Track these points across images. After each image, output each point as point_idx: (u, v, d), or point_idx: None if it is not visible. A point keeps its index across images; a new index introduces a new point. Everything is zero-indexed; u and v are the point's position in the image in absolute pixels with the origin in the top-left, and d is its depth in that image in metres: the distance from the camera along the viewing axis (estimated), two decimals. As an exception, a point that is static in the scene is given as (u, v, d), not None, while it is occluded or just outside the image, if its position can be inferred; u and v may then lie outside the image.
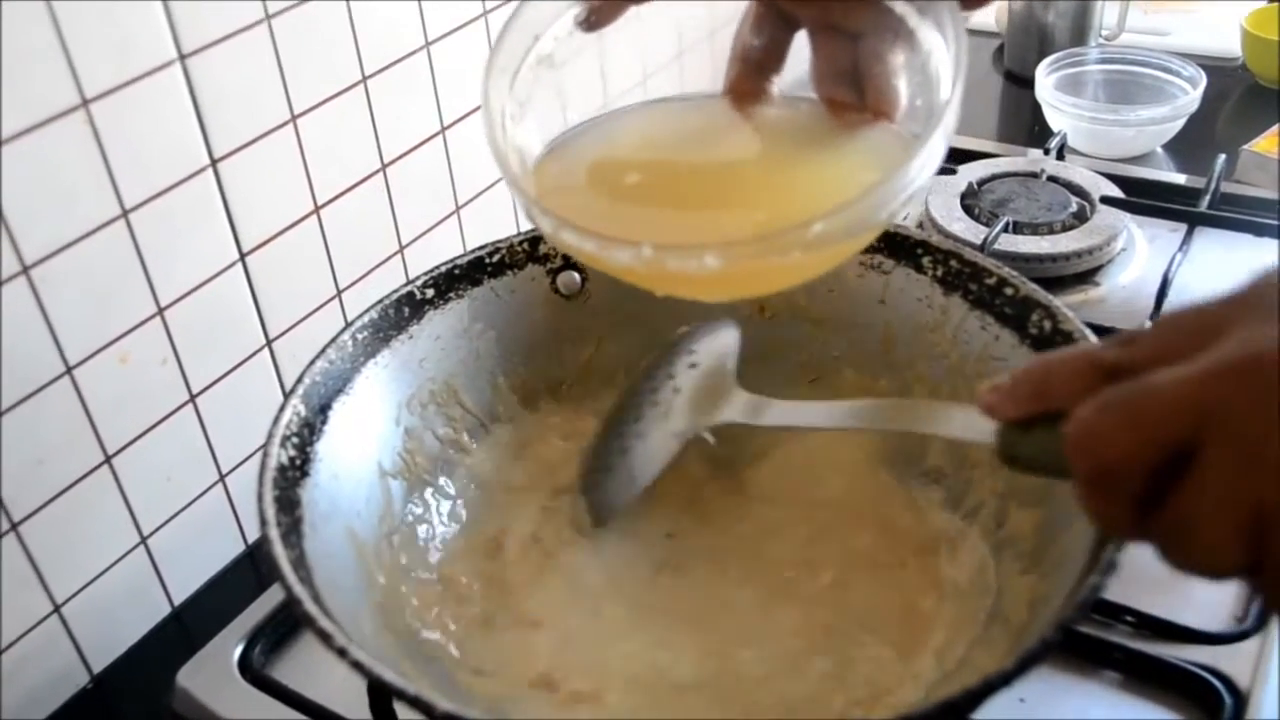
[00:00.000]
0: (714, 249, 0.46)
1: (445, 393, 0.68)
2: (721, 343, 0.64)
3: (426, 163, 0.87)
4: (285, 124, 0.75)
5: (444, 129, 0.87)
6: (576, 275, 0.71)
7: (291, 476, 0.56)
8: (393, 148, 0.83)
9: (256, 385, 0.78)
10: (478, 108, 0.53)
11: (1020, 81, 1.29)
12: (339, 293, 0.82)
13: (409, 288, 0.67)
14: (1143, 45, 1.24)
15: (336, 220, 0.80)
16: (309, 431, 0.59)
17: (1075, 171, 1.02)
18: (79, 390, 0.67)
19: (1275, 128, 1.08)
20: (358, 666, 0.46)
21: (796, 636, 0.59)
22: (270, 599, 0.70)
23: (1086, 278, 0.94)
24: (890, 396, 0.69)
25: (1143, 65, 1.18)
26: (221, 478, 0.78)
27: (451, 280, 0.68)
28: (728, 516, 0.67)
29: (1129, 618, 0.64)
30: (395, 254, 0.86)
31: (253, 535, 0.81)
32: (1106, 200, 0.98)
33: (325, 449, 0.59)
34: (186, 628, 0.77)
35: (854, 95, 0.54)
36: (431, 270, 0.68)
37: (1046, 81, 1.16)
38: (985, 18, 1.40)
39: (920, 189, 0.48)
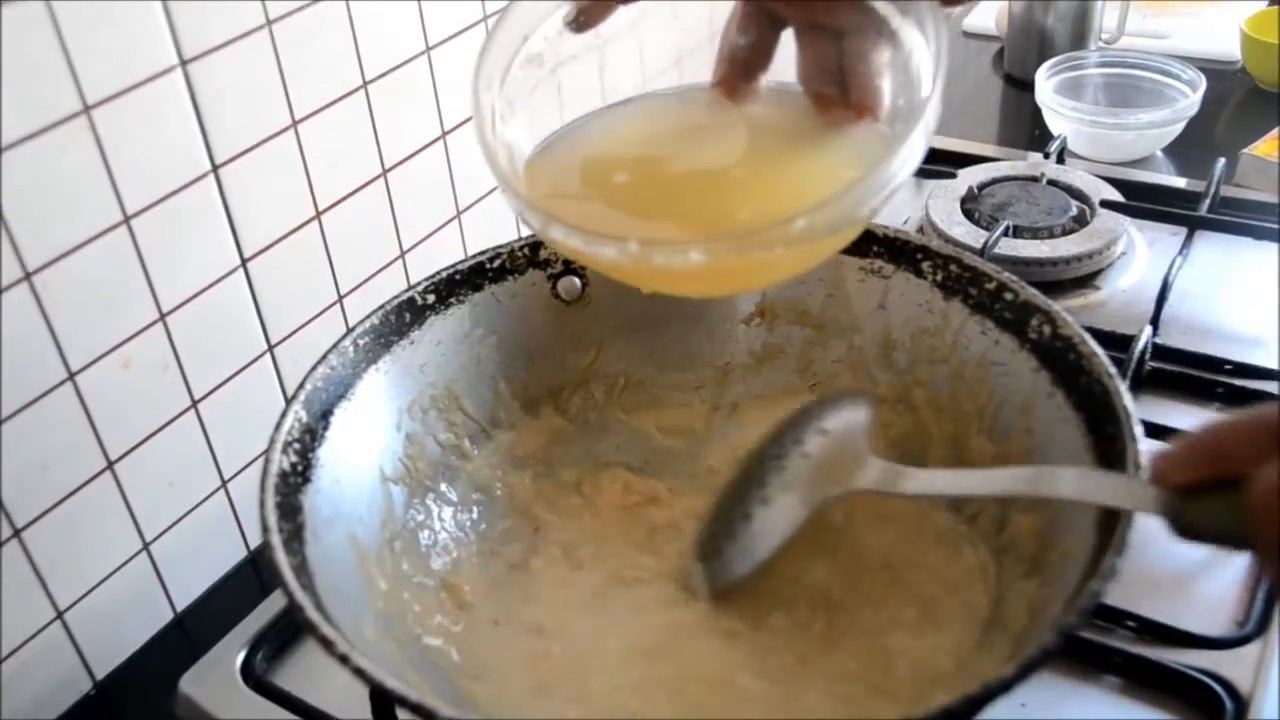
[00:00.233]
0: (698, 245, 0.47)
1: (446, 398, 0.68)
2: (854, 414, 0.62)
3: (427, 168, 0.87)
4: (286, 129, 0.75)
5: (445, 134, 0.88)
6: (577, 280, 0.71)
7: (293, 483, 0.56)
8: (394, 153, 0.84)
9: (258, 391, 0.78)
10: (482, 49, 0.53)
11: (1020, 85, 1.29)
12: (340, 298, 0.83)
13: (410, 293, 0.67)
14: (1142, 48, 1.24)
15: (338, 225, 0.80)
16: (310, 437, 0.59)
17: (1075, 175, 1.02)
18: (81, 396, 0.67)
19: (1275, 131, 1.08)
20: (359, 673, 0.46)
21: (795, 639, 0.59)
22: (272, 605, 0.70)
23: (1087, 282, 0.94)
24: (889, 403, 0.69)
25: (1142, 69, 1.18)
26: (223, 483, 0.78)
27: (452, 285, 0.68)
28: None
29: (1130, 623, 0.64)
30: (396, 259, 0.87)
31: (255, 541, 0.81)
32: (1106, 204, 0.98)
33: (327, 455, 0.59)
34: (189, 634, 0.77)
35: (839, 93, 0.55)
36: (432, 276, 0.68)
37: (1046, 85, 1.17)
38: (985, 21, 1.40)
39: (902, 184, 0.48)
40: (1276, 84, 1.22)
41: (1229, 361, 0.82)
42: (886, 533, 0.64)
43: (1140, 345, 0.81)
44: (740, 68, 0.56)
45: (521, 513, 0.69)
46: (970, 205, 1.00)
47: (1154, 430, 0.70)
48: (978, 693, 0.44)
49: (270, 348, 0.78)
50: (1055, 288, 0.92)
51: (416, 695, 0.46)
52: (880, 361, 0.70)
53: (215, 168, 0.71)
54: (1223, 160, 1.02)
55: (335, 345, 0.63)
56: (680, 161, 0.56)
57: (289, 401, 0.59)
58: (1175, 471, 0.44)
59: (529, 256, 0.70)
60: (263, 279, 0.76)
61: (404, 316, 0.66)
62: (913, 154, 0.47)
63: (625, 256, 0.47)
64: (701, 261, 0.46)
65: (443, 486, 0.68)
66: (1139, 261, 0.96)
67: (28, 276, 0.62)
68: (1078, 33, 1.27)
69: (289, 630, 0.69)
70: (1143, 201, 1.00)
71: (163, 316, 0.70)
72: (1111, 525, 0.49)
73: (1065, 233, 0.95)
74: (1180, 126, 1.13)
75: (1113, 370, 0.56)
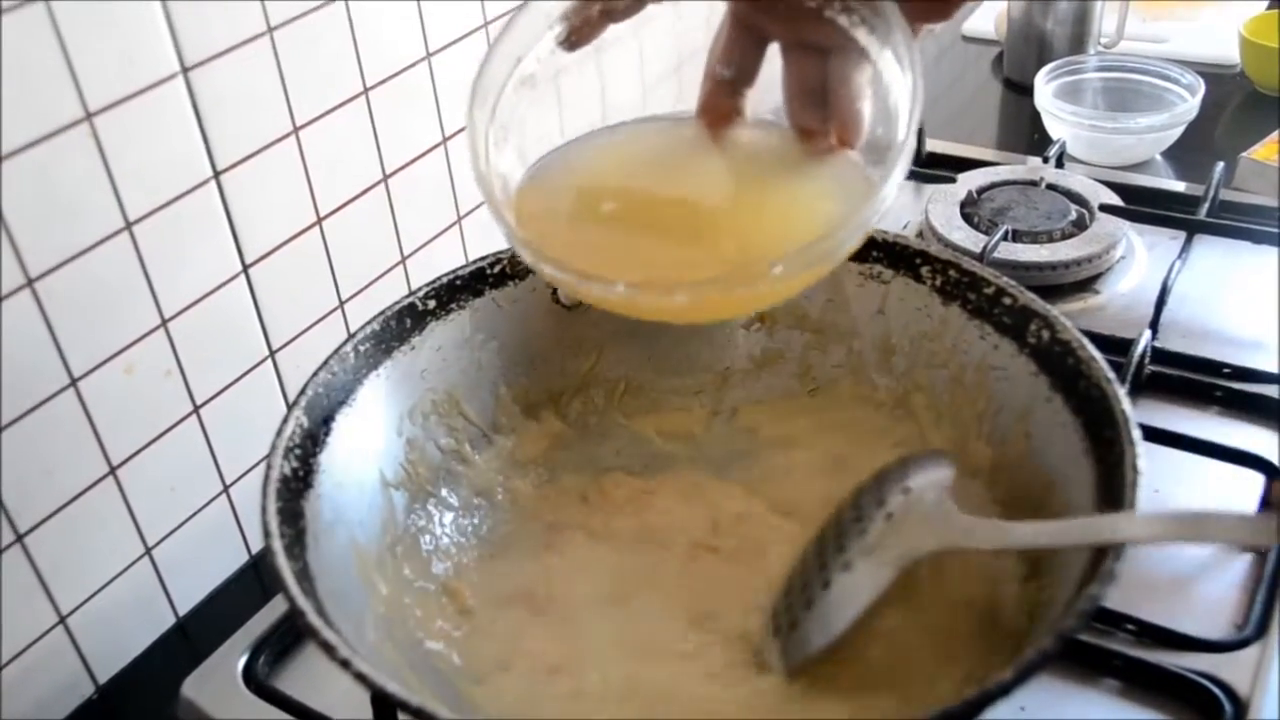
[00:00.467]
0: (683, 288, 0.49)
1: (447, 403, 0.68)
2: (938, 471, 0.60)
3: (428, 174, 0.87)
4: (287, 136, 0.75)
5: (445, 140, 0.88)
6: (577, 286, 0.72)
7: (295, 488, 0.57)
8: (394, 159, 0.84)
9: (260, 396, 0.78)
10: (474, 78, 0.53)
11: (1019, 89, 1.29)
12: (341, 304, 0.83)
13: (410, 299, 0.67)
14: (1142, 53, 1.25)
15: (339, 231, 0.81)
16: (312, 443, 0.59)
17: (1074, 179, 1.02)
18: (84, 402, 0.67)
19: (1274, 135, 1.08)
20: (361, 678, 0.47)
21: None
22: (274, 609, 0.70)
23: (1086, 286, 0.94)
24: (888, 408, 0.70)
25: (1142, 73, 1.18)
26: (225, 488, 0.78)
27: (453, 291, 0.68)
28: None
29: (1129, 626, 0.64)
30: (397, 265, 0.87)
31: (256, 546, 0.81)
32: (1105, 208, 0.98)
33: (328, 460, 0.60)
34: (191, 638, 0.77)
35: (822, 114, 0.55)
36: (433, 281, 0.68)
37: (1046, 89, 1.17)
38: (984, 25, 1.41)
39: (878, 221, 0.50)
40: (1275, 88, 1.22)
41: (1228, 365, 0.82)
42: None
43: (1139, 349, 0.81)
44: (726, 84, 0.56)
45: (522, 517, 0.69)
46: (970, 210, 1.00)
47: (1153, 434, 0.71)
48: (976, 696, 0.44)
49: (272, 353, 0.79)
50: (1054, 292, 0.92)
51: (418, 699, 0.46)
52: (879, 366, 0.70)
53: (217, 174, 0.71)
54: (1222, 164, 1.02)
55: (336, 351, 0.63)
56: (667, 191, 0.57)
57: (290, 407, 0.59)
58: None
59: (529, 262, 0.71)
60: (264, 285, 0.76)
61: (405, 322, 0.66)
62: (887, 198, 0.49)
63: (614, 295, 0.50)
64: (687, 302, 0.50)
65: (443, 491, 0.68)
66: (1138, 265, 0.96)
67: (30, 283, 0.63)
68: (1077, 37, 1.27)
69: (291, 635, 0.69)
70: (1142, 206, 1.00)
71: (165, 322, 0.71)
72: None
73: (1064, 237, 0.96)
74: (1179, 130, 1.13)
75: (1111, 375, 0.56)
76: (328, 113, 0.77)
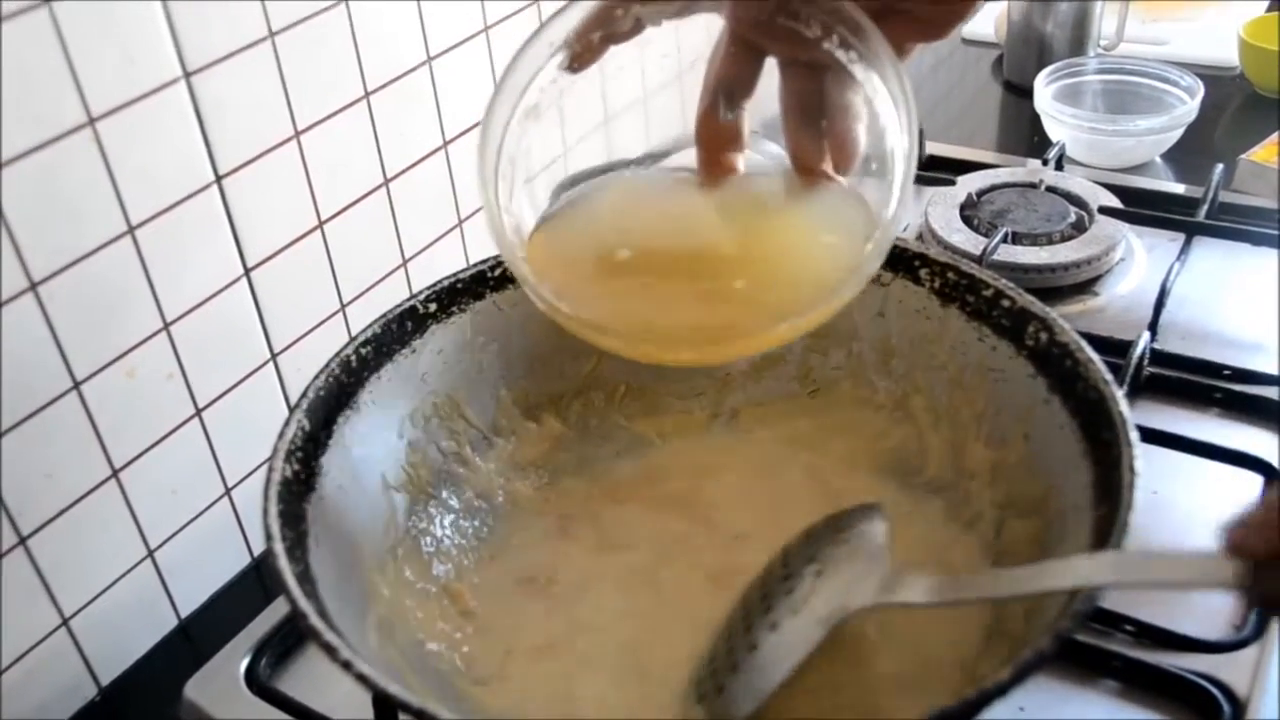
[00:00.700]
0: (689, 344, 0.54)
1: (448, 406, 0.69)
2: (870, 525, 0.58)
3: (429, 177, 0.88)
4: (289, 140, 0.75)
5: (446, 144, 0.88)
6: (578, 289, 0.72)
7: (296, 491, 0.57)
8: (395, 162, 0.84)
9: (261, 399, 0.79)
10: (480, 123, 0.54)
11: (1019, 91, 1.30)
12: (343, 307, 0.83)
13: (411, 302, 0.67)
14: (1141, 55, 1.25)
15: (340, 235, 0.81)
16: (313, 446, 0.59)
17: (1074, 182, 1.03)
18: (86, 405, 0.68)
19: (1273, 137, 1.08)
20: (362, 679, 0.47)
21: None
22: (276, 611, 0.71)
23: (1085, 288, 0.94)
24: (887, 411, 0.70)
25: (1141, 75, 1.18)
26: (227, 491, 0.79)
27: (454, 294, 0.68)
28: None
29: (1128, 626, 0.64)
30: (398, 268, 0.87)
31: (258, 548, 0.82)
32: (1105, 210, 0.98)
33: (329, 463, 0.60)
34: (193, 640, 0.77)
35: (817, 132, 0.56)
36: (434, 284, 0.68)
37: (1045, 92, 1.17)
38: (984, 28, 1.41)
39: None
40: (1275, 90, 1.22)
41: (1228, 367, 0.83)
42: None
43: (1139, 351, 0.81)
44: (724, 98, 0.56)
45: (523, 519, 0.69)
46: (969, 212, 1.01)
47: (1152, 435, 0.71)
48: (973, 696, 0.44)
49: (273, 356, 0.79)
50: (1054, 294, 0.93)
51: (419, 701, 0.47)
52: (879, 368, 0.71)
53: (218, 178, 0.71)
54: (1221, 166, 1.02)
55: (338, 354, 0.63)
56: (675, 237, 0.58)
57: (292, 410, 0.60)
58: (1258, 540, 0.41)
59: (530, 265, 0.71)
60: (266, 288, 0.76)
61: (406, 325, 0.66)
62: (881, 255, 0.52)
63: (625, 347, 0.55)
64: (692, 358, 0.55)
65: (444, 494, 0.68)
66: (1137, 267, 0.96)
67: (33, 286, 0.63)
68: (1077, 39, 1.28)
69: (292, 636, 0.69)
70: (1141, 208, 1.00)
71: (166, 326, 0.71)
72: (1107, 531, 0.49)
73: (1064, 239, 0.96)
74: (1179, 133, 1.14)
75: (1108, 376, 0.56)
76: (329, 117, 0.78)
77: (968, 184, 1.03)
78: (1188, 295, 0.91)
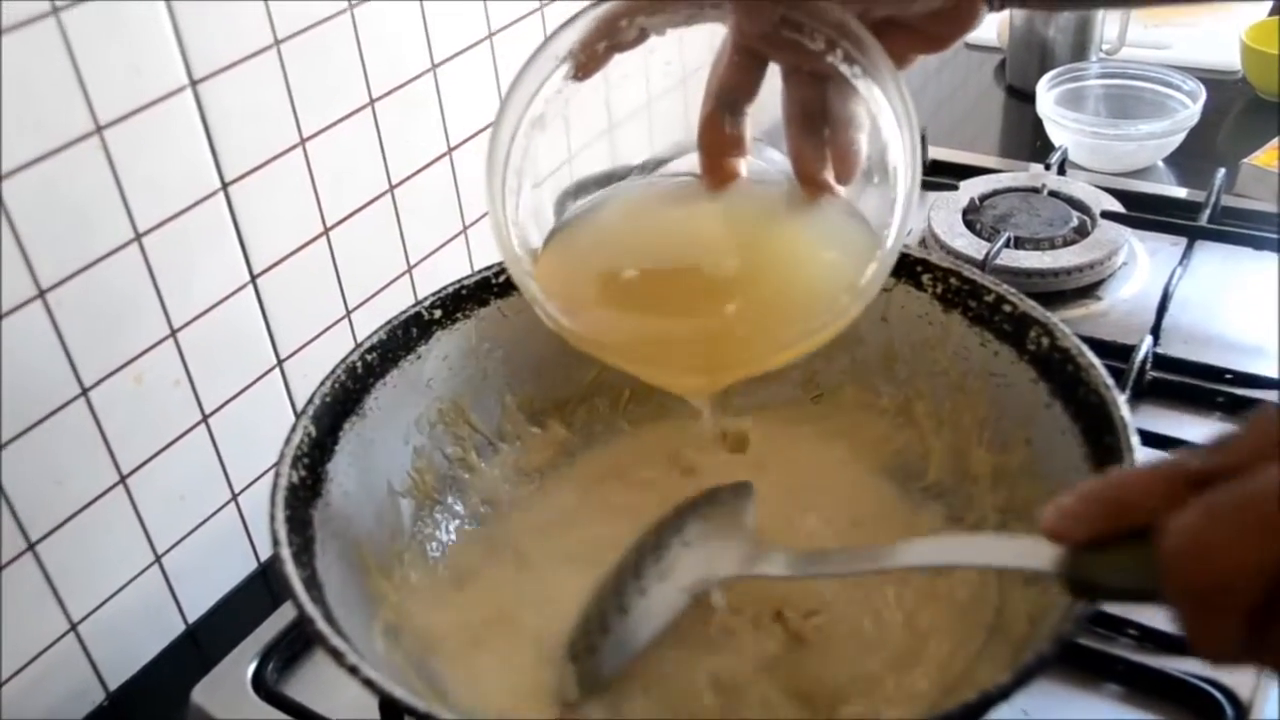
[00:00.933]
0: (691, 368, 0.56)
1: (453, 412, 0.69)
2: (738, 502, 0.61)
3: (434, 184, 0.88)
4: (294, 147, 0.76)
5: (450, 150, 0.89)
6: (582, 295, 0.72)
7: (303, 496, 0.57)
8: (400, 169, 0.85)
9: (268, 405, 0.79)
10: (484, 129, 0.55)
11: (1021, 96, 1.30)
12: (348, 313, 0.83)
13: (417, 309, 0.67)
14: (1143, 59, 1.25)
15: (345, 241, 0.81)
16: (320, 452, 0.60)
17: (1076, 186, 1.03)
18: (94, 411, 0.68)
19: (1275, 141, 1.09)
20: (369, 683, 0.47)
21: (812, 655, 0.59)
22: (283, 616, 0.71)
23: (1088, 292, 0.94)
24: (890, 415, 0.70)
25: (1143, 79, 1.19)
26: (234, 496, 0.79)
27: (459, 301, 0.69)
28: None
29: (1131, 630, 0.65)
30: (403, 274, 0.88)
31: (265, 553, 0.82)
32: (1107, 215, 0.99)
33: (336, 469, 0.60)
34: (200, 645, 0.78)
35: (819, 141, 0.56)
36: (439, 291, 0.68)
37: (1048, 96, 1.17)
38: (987, 33, 1.41)
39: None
40: (1276, 94, 1.23)
41: (1230, 371, 0.83)
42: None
43: (1141, 355, 0.81)
44: (726, 103, 0.57)
45: (528, 525, 0.69)
46: (972, 217, 1.01)
47: (1154, 440, 0.71)
48: (975, 700, 0.44)
49: (279, 362, 0.79)
50: (1057, 298, 0.93)
51: (425, 705, 0.47)
52: (882, 374, 0.71)
53: (225, 185, 0.72)
54: (1223, 170, 1.02)
55: (344, 360, 0.63)
56: (681, 258, 0.58)
57: (298, 416, 0.60)
58: (1075, 527, 0.41)
59: (534, 271, 0.71)
60: (272, 295, 0.77)
61: (411, 332, 0.67)
62: (888, 270, 0.53)
63: (626, 367, 0.57)
64: (694, 381, 0.57)
65: (450, 499, 0.68)
66: (1140, 272, 0.96)
67: (41, 294, 0.63)
68: (1079, 44, 1.28)
69: (299, 641, 0.70)
70: (1143, 212, 1.00)
71: (174, 332, 0.71)
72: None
73: (1066, 244, 0.96)
74: (1181, 137, 1.14)
75: (1110, 381, 0.57)
76: (334, 124, 0.78)
77: (970, 189, 1.04)
78: (1190, 299, 0.91)
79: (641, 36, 0.55)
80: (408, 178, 0.85)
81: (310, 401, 0.61)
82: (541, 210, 0.58)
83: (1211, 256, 0.96)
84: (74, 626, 0.71)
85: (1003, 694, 0.44)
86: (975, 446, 0.65)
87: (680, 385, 0.60)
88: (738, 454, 0.70)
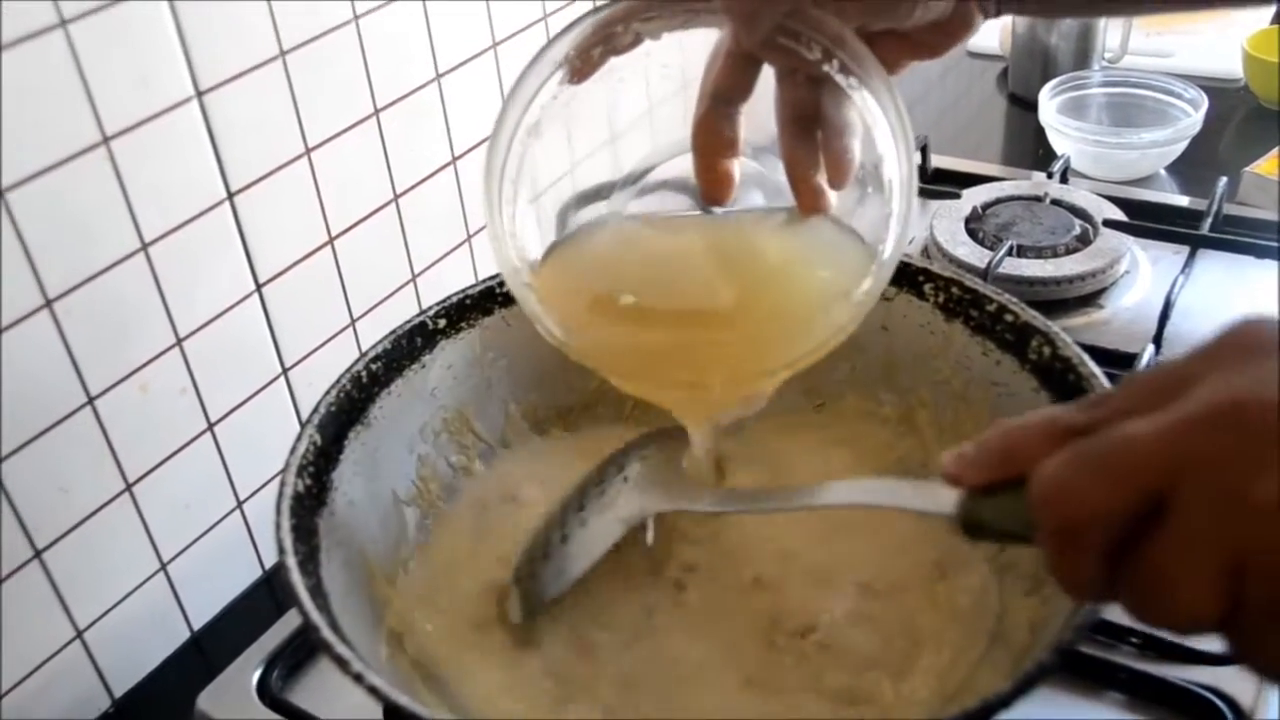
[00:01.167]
0: (684, 387, 0.57)
1: (457, 420, 0.69)
2: (674, 444, 0.63)
3: (438, 193, 0.88)
4: (300, 157, 0.76)
5: (455, 159, 0.89)
6: (585, 304, 0.72)
7: (308, 505, 0.57)
8: (405, 179, 0.85)
9: (273, 413, 0.79)
10: (489, 138, 0.55)
11: (1024, 105, 1.30)
12: (353, 322, 0.84)
13: (421, 318, 0.68)
14: (1145, 68, 1.25)
15: (350, 251, 0.82)
16: (325, 460, 0.60)
17: (1078, 195, 1.03)
18: (100, 420, 0.68)
19: (1277, 149, 1.09)
20: (373, 691, 0.47)
21: (792, 657, 0.60)
22: (288, 623, 0.71)
23: (1090, 300, 0.94)
24: (892, 424, 0.70)
25: (1145, 88, 1.19)
26: (239, 504, 0.79)
27: (463, 310, 0.69)
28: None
29: (1133, 639, 0.65)
30: (408, 283, 0.88)
31: (270, 560, 0.82)
32: (1110, 223, 0.99)
33: (341, 477, 0.60)
34: (206, 652, 0.78)
35: (813, 145, 0.57)
36: (443, 300, 0.69)
37: (1050, 104, 1.18)
38: (989, 41, 1.41)
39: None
40: (1278, 102, 1.23)
41: (1231, 379, 0.83)
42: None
43: (1143, 363, 0.82)
44: (721, 105, 0.57)
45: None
46: (974, 225, 1.01)
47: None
48: (976, 708, 0.44)
49: (285, 371, 0.80)
50: (1059, 307, 0.93)
51: (430, 713, 0.47)
52: (884, 382, 0.71)
53: (230, 195, 0.72)
54: (1225, 179, 1.02)
55: (349, 369, 0.64)
56: (677, 280, 0.59)
57: (304, 425, 0.60)
58: (968, 471, 0.43)
59: (538, 280, 0.71)
60: (277, 304, 0.77)
61: (415, 341, 0.67)
62: (882, 286, 0.54)
63: (622, 385, 0.59)
64: (688, 397, 0.58)
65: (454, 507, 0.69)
66: (1142, 280, 0.97)
67: (48, 303, 0.64)
68: (1081, 52, 1.28)
69: (304, 649, 0.70)
70: (1146, 220, 1.00)
71: (180, 341, 0.72)
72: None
73: (1069, 252, 0.96)
74: (1183, 145, 1.14)
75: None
76: (339, 134, 0.78)
77: (973, 197, 1.04)
78: (1192, 308, 0.91)
79: (636, 41, 0.55)
80: (412, 187, 0.86)
81: (315, 410, 0.61)
82: (543, 222, 0.58)
83: (1214, 265, 0.96)
84: (80, 634, 0.71)
85: (1003, 702, 0.45)
86: (977, 455, 0.65)
87: (674, 401, 0.60)
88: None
